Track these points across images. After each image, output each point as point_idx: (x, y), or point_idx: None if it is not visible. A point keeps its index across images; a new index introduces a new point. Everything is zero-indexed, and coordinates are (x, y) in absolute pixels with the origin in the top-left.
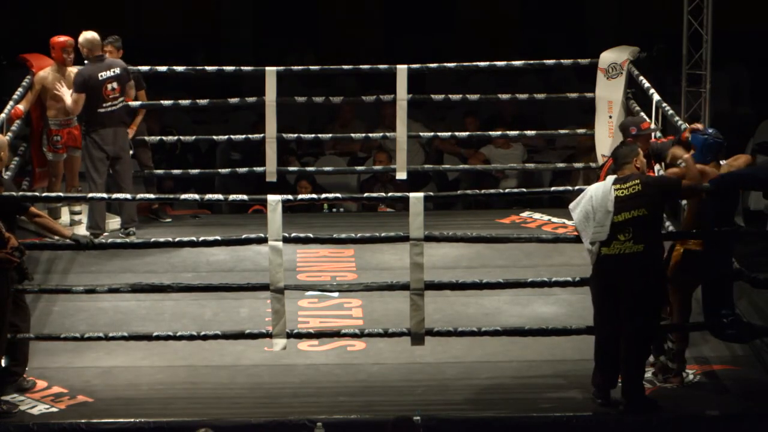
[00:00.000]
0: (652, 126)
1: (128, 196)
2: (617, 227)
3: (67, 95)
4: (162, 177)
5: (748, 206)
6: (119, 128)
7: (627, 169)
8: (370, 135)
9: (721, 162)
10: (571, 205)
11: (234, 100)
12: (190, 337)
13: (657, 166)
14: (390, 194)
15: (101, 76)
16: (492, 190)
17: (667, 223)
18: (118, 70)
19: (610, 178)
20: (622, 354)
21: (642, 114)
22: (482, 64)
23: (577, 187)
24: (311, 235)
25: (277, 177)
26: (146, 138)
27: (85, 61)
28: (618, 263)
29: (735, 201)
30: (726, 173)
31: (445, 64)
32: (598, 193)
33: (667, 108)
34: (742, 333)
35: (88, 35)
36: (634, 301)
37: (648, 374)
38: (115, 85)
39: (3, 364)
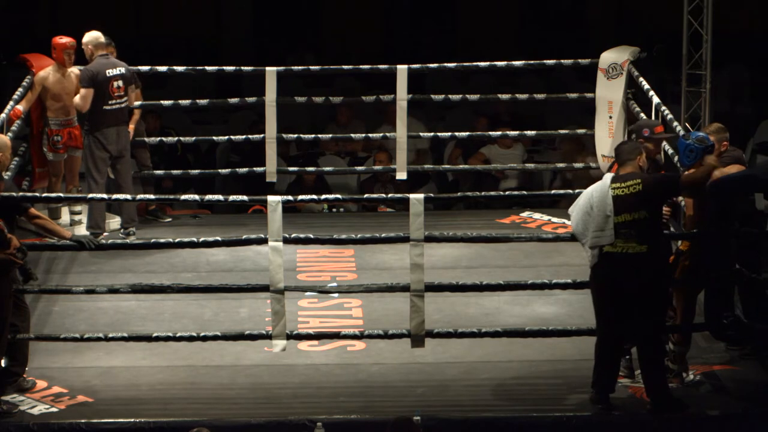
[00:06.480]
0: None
1: (128, 196)
2: (619, 227)
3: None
4: (161, 177)
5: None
6: (122, 127)
7: (629, 166)
8: (370, 135)
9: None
10: (570, 209)
11: (234, 100)
12: (190, 338)
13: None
14: (390, 195)
15: (108, 73)
16: (492, 192)
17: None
18: (123, 70)
19: (608, 176)
20: (640, 356)
21: (647, 118)
22: (482, 64)
23: (577, 190)
24: (311, 236)
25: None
26: (145, 138)
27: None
28: (622, 261)
29: (735, 202)
30: (726, 175)
31: (445, 64)
32: (596, 193)
33: (666, 111)
34: (742, 334)
35: (94, 34)
36: (645, 301)
37: None
38: (120, 83)
39: (3, 364)
